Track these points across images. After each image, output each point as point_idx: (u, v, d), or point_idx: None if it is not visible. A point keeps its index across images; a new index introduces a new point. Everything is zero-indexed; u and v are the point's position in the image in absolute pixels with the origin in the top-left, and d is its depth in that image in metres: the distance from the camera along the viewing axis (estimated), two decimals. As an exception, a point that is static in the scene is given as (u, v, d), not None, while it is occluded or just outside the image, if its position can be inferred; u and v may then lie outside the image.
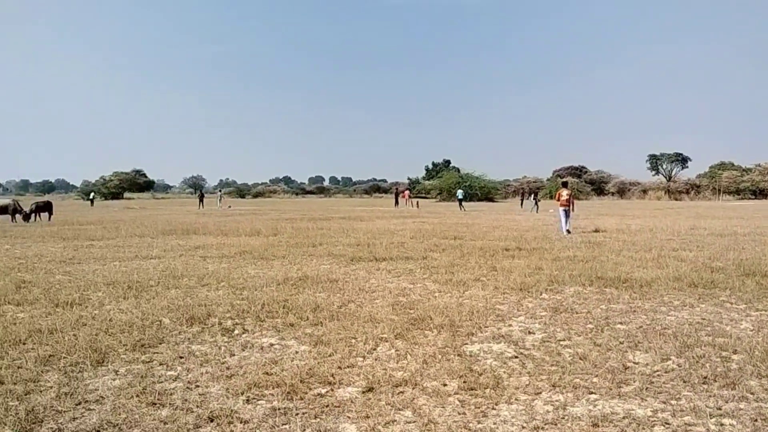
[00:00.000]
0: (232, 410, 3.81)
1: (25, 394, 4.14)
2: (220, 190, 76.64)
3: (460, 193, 47.80)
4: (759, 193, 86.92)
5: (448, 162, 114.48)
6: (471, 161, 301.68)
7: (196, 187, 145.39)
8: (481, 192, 79.17)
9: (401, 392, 4.15)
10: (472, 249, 13.26)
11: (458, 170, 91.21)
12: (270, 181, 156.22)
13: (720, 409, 3.83)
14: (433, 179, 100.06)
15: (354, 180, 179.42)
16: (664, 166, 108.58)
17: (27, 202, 29.65)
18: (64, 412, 3.82)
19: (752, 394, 4.08)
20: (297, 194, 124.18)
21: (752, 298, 7.58)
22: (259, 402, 3.99)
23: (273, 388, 4.22)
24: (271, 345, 5.47)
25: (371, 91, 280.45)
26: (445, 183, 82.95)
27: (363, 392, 4.16)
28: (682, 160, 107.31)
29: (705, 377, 4.43)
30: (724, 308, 7.03)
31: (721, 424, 3.58)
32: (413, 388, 4.23)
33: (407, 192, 59.47)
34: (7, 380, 4.42)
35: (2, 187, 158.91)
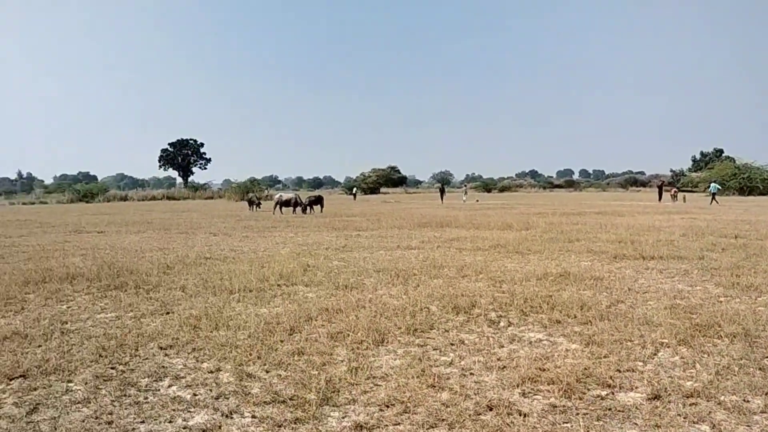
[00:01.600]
0: (509, 402, 3.82)
1: (322, 365, 4.65)
2: (465, 185, 78.26)
3: (714, 186, 43.60)
4: None
5: (720, 151, 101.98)
6: (749, 150, 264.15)
7: (442, 181, 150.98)
8: (763, 185, 68.75)
9: (694, 404, 3.75)
10: (760, 249, 11.57)
11: (733, 160, 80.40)
12: (516, 175, 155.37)
13: None
14: (702, 171, 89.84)
15: (607, 173, 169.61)
16: None
17: (301, 197, 33.58)
18: (356, 384, 4.20)
19: None
20: (544, 188, 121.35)
21: None
22: (536, 397, 3.94)
23: (548, 384, 4.14)
24: (540, 340, 5.38)
25: (630, 67, 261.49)
26: (717, 175, 73.72)
27: (648, 399, 3.86)
28: None
29: None
30: None
31: None
32: (708, 401, 3.80)
33: (670, 186, 54.23)
34: (307, 351, 5.02)
35: (282, 183, 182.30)
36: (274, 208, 30.21)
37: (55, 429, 3.58)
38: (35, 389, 4.27)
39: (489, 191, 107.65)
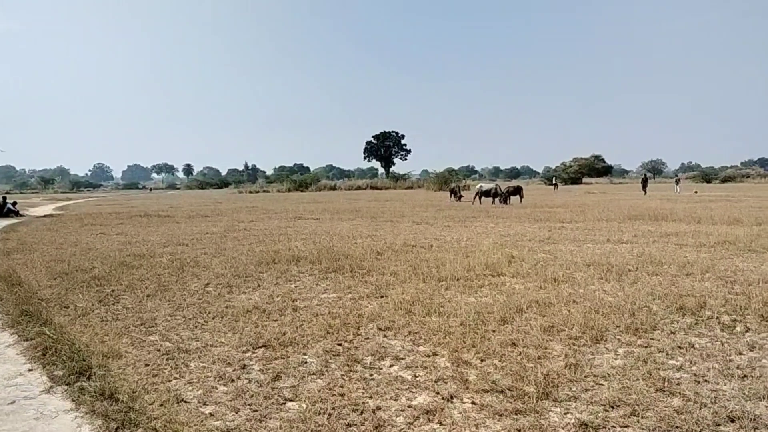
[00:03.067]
0: (755, 415, 3.45)
1: (538, 359, 4.59)
2: (677, 175, 71.71)
3: None
4: None
5: None
6: None
7: (647, 172, 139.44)
8: None
9: None
10: None
11: None
12: (741, 164, 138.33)
13: None
14: None
15: None
16: None
17: (501, 187, 33.26)
18: (576, 382, 4.09)
19: None
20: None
21: None
22: (790, 413, 3.51)
23: (801, 401, 3.66)
24: (786, 350, 4.77)
25: None
26: None
27: None
28: None
29: None
30: None
31: None
32: None
33: None
34: (520, 343, 4.99)
35: (478, 173, 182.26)
36: (474, 198, 30.34)
37: (296, 396, 3.99)
38: (276, 359, 4.80)
39: (709, 182, 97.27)
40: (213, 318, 6.19)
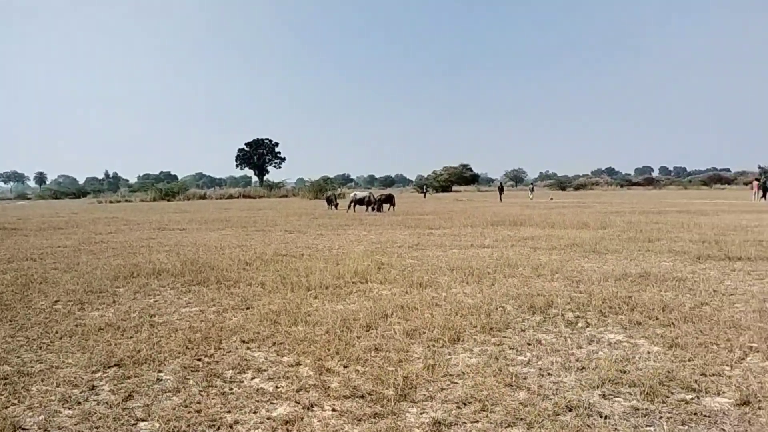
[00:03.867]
0: (589, 403, 3.77)
1: (399, 362, 4.73)
2: (532, 183, 77.14)
3: None
4: None
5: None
6: None
7: (516, 179, 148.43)
8: None
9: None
10: None
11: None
12: (592, 172, 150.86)
13: None
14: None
15: (689, 170, 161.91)
16: None
17: (375, 196, 33.85)
18: (433, 382, 4.26)
19: None
20: (621, 186, 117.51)
21: None
22: (616, 399, 3.87)
23: (629, 387, 4.06)
24: (619, 342, 5.26)
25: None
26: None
27: (737, 404, 3.72)
28: None
29: None
30: None
31: None
32: (803, 410, 3.63)
33: (756, 182, 51.06)
34: (383, 348, 5.11)
35: (354, 181, 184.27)
36: (349, 207, 30.66)
37: (149, 416, 3.81)
38: (129, 377, 4.56)
39: (564, 189, 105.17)
40: (61, 338, 5.75)
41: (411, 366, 4.61)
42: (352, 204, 30.55)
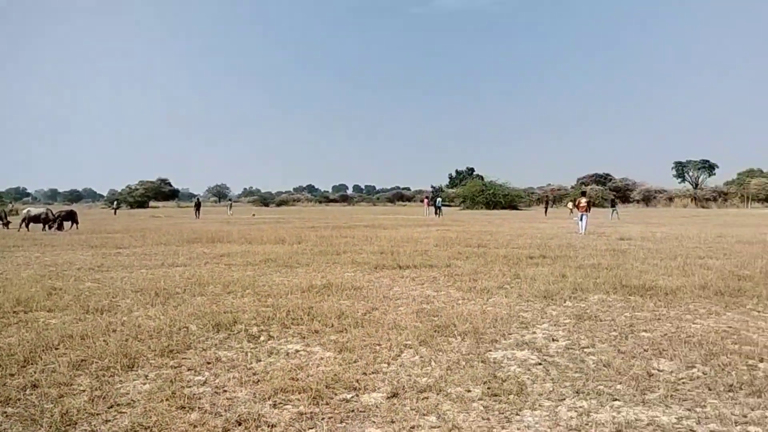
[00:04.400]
0: (259, 414, 3.89)
1: (59, 397, 4.26)
2: (229, 200, 77.76)
3: (438, 201, 48.66)
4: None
5: (471, 170, 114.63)
6: (495, 169, 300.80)
7: (219, 195, 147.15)
8: (504, 200, 79.00)
9: (426, 398, 4.19)
10: (495, 257, 13.23)
11: (482, 178, 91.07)
12: (293, 189, 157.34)
13: (745, 416, 3.81)
14: (457, 187, 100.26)
15: (377, 188, 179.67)
16: (691, 174, 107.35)
17: (53, 212, 30.24)
18: (97, 414, 3.93)
19: (780, 402, 4.05)
20: (320, 202, 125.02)
21: (781, 305, 7.49)
22: (286, 407, 4.06)
23: (299, 393, 4.29)
24: (297, 351, 5.55)
25: (394, 101, 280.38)
26: (469, 191, 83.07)
27: (388, 398, 4.21)
28: (709, 167, 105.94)
29: (731, 385, 4.40)
30: (751, 316, 6.95)
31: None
32: (437, 394, 4.27)
33: (426, 199, 59.13)
34: (42, 383, 4.55)
35: (31, 196, 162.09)
36: (21, 225, 26.78)
37: None
38: None
39: (267, 205, 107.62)
40: None
41: (73, 400, 4.19)
42: (25, 222, 26.80)
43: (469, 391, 4.36)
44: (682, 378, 4.63)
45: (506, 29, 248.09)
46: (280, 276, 10.60)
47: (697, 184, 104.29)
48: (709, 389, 4.34)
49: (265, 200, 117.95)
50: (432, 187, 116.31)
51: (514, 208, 77.74)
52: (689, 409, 3.94)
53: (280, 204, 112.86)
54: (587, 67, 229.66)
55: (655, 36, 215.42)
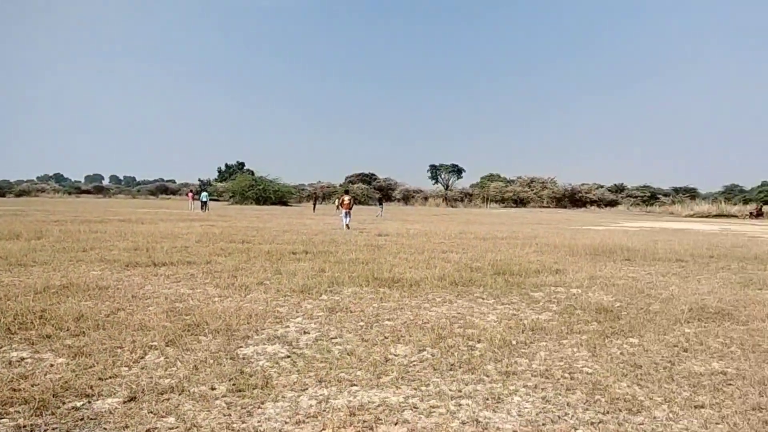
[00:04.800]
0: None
1: None
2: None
3: (204, 195, 46.72)
4: (519, 202, 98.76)
5: (242, 164, 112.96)
6: (267, 164, 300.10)
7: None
8: (275, 196, 79.34)
9: (166, 399, 4.05)
10: (259, 253, 13.24)
11: (252, 173, 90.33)
12: (37, 178, 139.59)
13: (460, 391, 4.36)
14: (226, 181, 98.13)
15: (138, 179, 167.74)
16: (443, 176, 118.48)
17: None
18: None
19: (488, 376, 4.71)
20: (70, 193, 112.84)
21: (500, 293, 8.68)
22: (1, 420, 3.63)
23: (20, 405, 3.86)
24: (22, 359, 4.96)
25: (161, 88, 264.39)
26: (238, 185, 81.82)
27: (124, 402, 3.98)
28: (458, 170, 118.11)
29: (452, 364, 5.00)
30: (477, 303, 7.94)
31: (459, 405, 4.09)
32: (179, 395, 4.16)
33: (191, 193, 56.77)
34: None
35: None
36: None
37: None
38: None
39: (3, 195, 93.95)
40: None
41: None
42: None
43: (213, 389, 4.32)
44: (414, 361, 5.13)
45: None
46: (10, 276, 9.35)
47: (448, 186, 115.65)
48: (434, 369, 4.88)
49: (1, 190, 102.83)
50: (199, 180, 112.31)
51: (285, 204, 78.56)
52: (415, 388, 4.39)
53: (20, 194, 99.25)
54: (357, 73, 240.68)
55: (407, 53, 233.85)
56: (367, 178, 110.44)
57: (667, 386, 4.59)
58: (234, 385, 4.39)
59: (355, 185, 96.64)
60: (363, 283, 9.28)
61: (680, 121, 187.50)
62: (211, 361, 4.97)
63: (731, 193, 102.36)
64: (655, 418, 3.93)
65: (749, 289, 9.59)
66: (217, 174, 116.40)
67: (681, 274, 11.46)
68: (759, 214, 64.59)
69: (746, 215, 65.61)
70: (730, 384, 4.68)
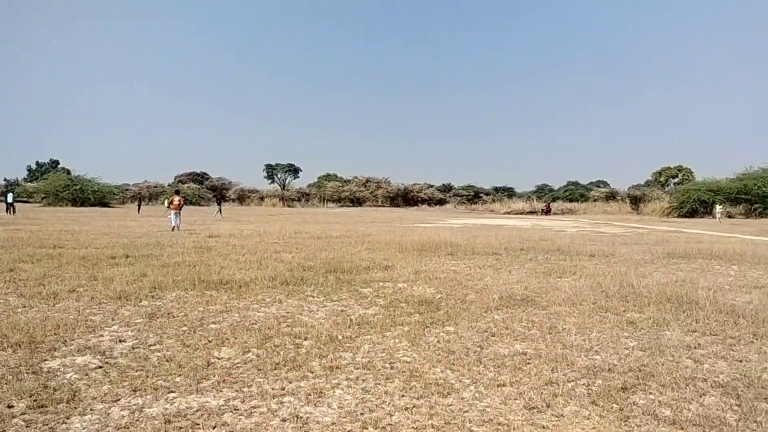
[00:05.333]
0: None
1: None
2: None
3: (10, 196, 42.97)
4: (356, 201, 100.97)
5: (56, 162, 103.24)
6: (87, 162, 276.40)
7: None
8: (94, 197, 73.48)
9: (-51, 424, 3.62)
10: (72, 258, 12.19)
11: (68, 172, 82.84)
12: None
13: (284, 389, 4.39)
14: (37, 181, 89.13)
15: None
16: (279, 176, 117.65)
17: None
18: None
19: (312, 372, 4.79)
20: None
21: (330, 291, 8.83)
22: None
23: None
24: None
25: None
26: (51, 186, 74.66)
27: None
28: (294, 170, 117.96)
29: (277, 363, 5.01)
30: (307, 301, 8.01)
31: (282, 402, 4.11)
32: (-34, 418, 3.73)
33: None
34: None
35: None
36: None
37: None
38: None
39: None
40: None
41: None
42: None
43: (11, 406, 3.93)
44: (238, 363, 5.06)
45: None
46: None
47: (284, 186, 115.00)
48: (259, 369, 4.86)
49: None
50: (5, 180, 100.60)
51: (106, 205, 72.98)
52: (237, 390, 4.34)
53: None
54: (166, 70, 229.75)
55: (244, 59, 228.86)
56: (199, 178, 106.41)
57: (475, 369, 4.99)
58: (35, 401, 4.03)
59: (186, 185, 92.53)
60: (188, 286, 8.94)
61: (500, 125, 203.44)
62: (10, 377, 4.51)
63: (542, 192, 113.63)
64: (462, 398, 4.26)
65: (551, 278, 10.67)
66: (26, 173, 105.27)
67: (495, 266, 12.44)
68: (548, 211, 71.94)
69: (539, 212, 72.74)
70: (528, 363, 5.19)
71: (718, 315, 7.25)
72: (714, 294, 8.79)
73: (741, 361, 5.33)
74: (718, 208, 49.21)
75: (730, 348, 5.78)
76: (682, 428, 3.76)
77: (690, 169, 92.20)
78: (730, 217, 53.87)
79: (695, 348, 5.74)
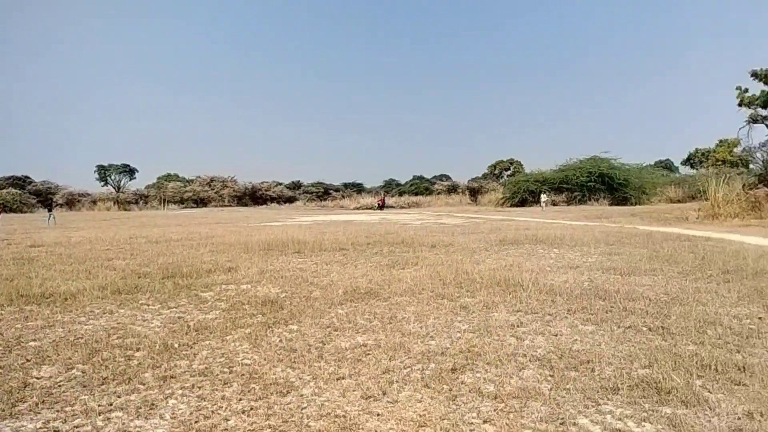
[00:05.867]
0: None
1: None
2: None
3: None
4: (200, 202, 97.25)
5: None
6: None
7: None
8: None
9: None
10: None
11: None
12: None
13: (111, 404, 4.13)
14: None
15: None
16: (113, 177, 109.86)
17: None
18: None
19: (144, 384, 4.56)
20: None
21: (167, 297, 8.43)
22: None
23: None
24: None
25: None
26: None
27: None
28: (130, 171, 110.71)
29: (105, 378, 4.70)
30: (141, 310, 7.58)
31: (108, 419, 3.87)
32: None
33: None
34: None
35: None
36: None
37: None
38: None
39: None
40: None
41: None
42: None
43: None
44: (60, 381, 4.68)
45: None
46: None
47: (119, 188, 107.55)
48: (84, 386, 4.53)
49: None
50: None
51: None
52: (59, 411, 4.02)
53: None
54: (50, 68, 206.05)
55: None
56: (20, 182, 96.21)
57: (316, 365, 5.04)
58: None
59: (5, 190, 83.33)
60: (4, 302, 8.08)
61: (346, 122, 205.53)
62: None
63: (390, 187, 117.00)
64: (302, 395, 4.29)
65: (394, 270, 11.04)
66: None
67: (342, 261, 12.61)
68: (382, 206, 74.00)
69: (374, 207, 74.62)
70: (368, 354, 5.34)
71: (539, 295, 7.95)
72: (536, 276, 9.62)
73: (556, 335, 5.90)
74: (543, 197, 53.77)
75: (547, 324, 6.37)
76: (503, 401, 4.09)
77: (520, 162, 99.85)
78: (554, 204, 59.05)
79: (518, 326, 6.26)
